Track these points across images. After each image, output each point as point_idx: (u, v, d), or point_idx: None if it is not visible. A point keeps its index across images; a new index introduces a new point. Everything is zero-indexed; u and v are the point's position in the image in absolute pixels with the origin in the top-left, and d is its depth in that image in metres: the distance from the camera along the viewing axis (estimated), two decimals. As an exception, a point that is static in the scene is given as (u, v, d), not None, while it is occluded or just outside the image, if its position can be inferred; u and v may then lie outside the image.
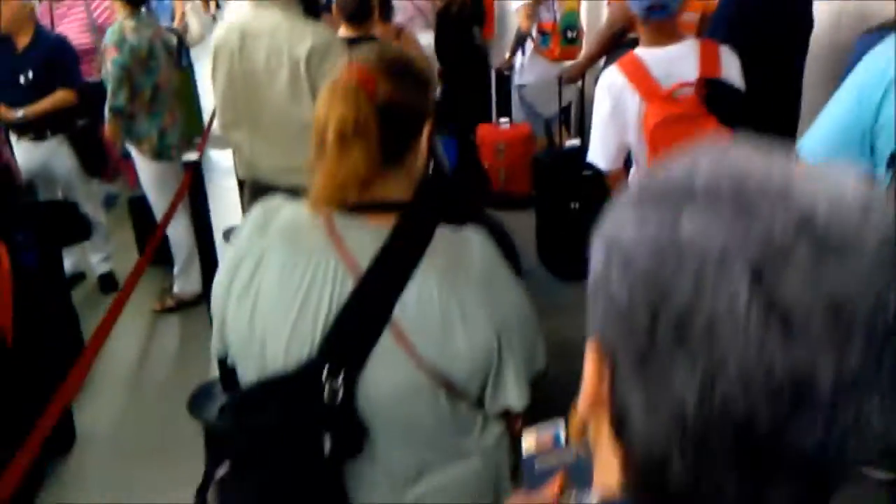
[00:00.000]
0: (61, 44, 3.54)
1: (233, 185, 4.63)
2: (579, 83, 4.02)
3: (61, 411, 1.83)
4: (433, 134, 1.12)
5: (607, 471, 0.48)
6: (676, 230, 0.40)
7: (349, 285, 1.03)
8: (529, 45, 4.31)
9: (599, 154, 2.23)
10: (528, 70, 4.41)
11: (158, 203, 3.43)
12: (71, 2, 4.27)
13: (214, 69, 2.23)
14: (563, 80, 3.90)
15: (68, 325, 2.86)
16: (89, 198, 3.63)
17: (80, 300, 3.38)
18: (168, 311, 3.63)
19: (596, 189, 2.62)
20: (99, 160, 3.65)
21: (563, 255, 3.51)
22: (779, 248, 0.38)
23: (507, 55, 4.58)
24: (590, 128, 3.15)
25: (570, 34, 4.14)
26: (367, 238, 1.05)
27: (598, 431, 0.49)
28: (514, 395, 1.08)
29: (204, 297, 3.61)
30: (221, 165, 4.68)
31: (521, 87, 4.54)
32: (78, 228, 2.96)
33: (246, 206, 2.46)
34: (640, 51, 2.19)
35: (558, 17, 4.11)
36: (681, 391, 0.39)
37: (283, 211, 1.11)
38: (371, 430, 1.05)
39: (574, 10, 4.16)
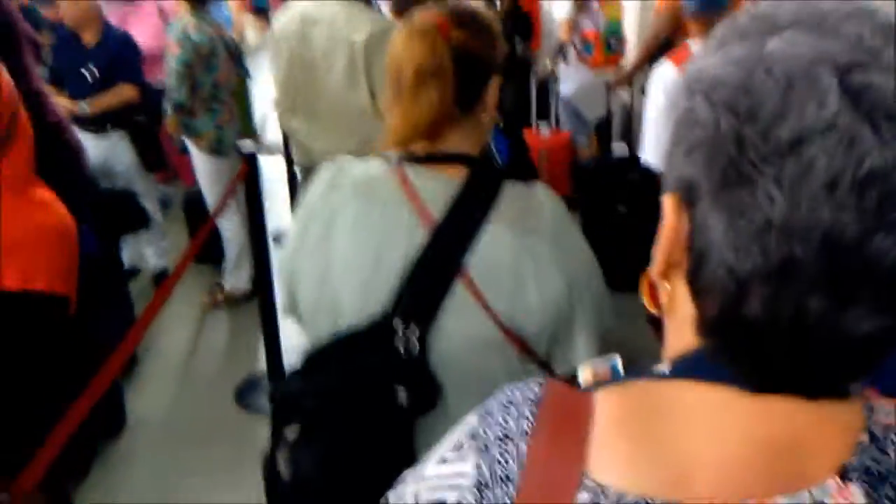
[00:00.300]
0: (126, 41, 3.62)
1: (284, 191, 4.75)
2: (628, 90, 4.04)
3: (105, 390, 1.86)
4: (500, 89, 1.12)
5: (680, 335, 0.48)
6: (762, 48, 0.40)
7: (422, 235, 1.03)
8: (572, 53, 4.39)
9: (655, 152, 2.21)
10: (572, 78, 4.48)
11: (213, 197, 3.50)
12: (143, 4, 4.44)
13: (275, 55, 2.28)
14: (611, 86, 3.96)
15: (124, 313, 2.92)
16: (147, 193, 3.71)
17: (134, 294, 3.45)
18: (217, 307, 3.69)
19: (643, 193, 2.61)
20: (157, 156, 3.74)
21: (609, 262, 3.43)
22: (867, 51, 0.38)
23: (549, 64, 4.68)
24: (635, 134, 3.16)
25: (612, 43, 4.22)
26: (440, 188, 1.05)
27: (672, 293, 0.48)
28: (583, 353, 1.06)
29: (253, 294, 3.67)
30: (272, 170, 4.77)
31: (567, 98, 4.59)
32: (137, 218, 3.02)
33: (301, 191, 2.50)
34: (693, 45, 2.19)
35: (601, 26, 4.19)
36: (766, 205, 0.38)
37: (353, 168, 1.12)
38: (443, 384, 1.03)
39: (617, 20, 4.23)
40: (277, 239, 4.04)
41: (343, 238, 1.06)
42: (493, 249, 1.02)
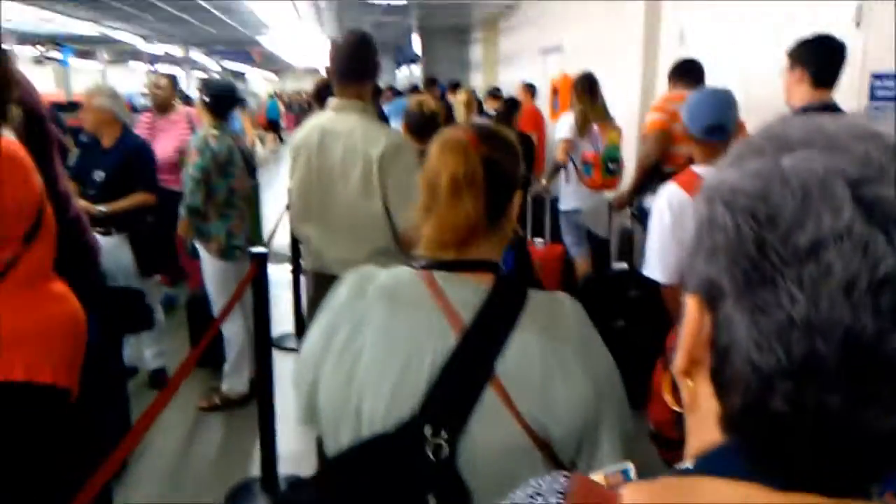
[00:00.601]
0: (141, 147, 3.77)
1: (287, 296, 4.80)
2: (627, 210, 4.27)
3: (99, 488, 1.82)
4: (520, 204, 1.19)
5: (703, 431, 0.50)
6: (778, 164, 0.45)
7: (452, 339, 1.04)
8: (573, 172, 4.61)
9: (658, 268, 2.29)
10: (572, 197, 4.70)
11: (219, 300, 3.55)
12: (177, 118, 4.67)
13: (294, 163, 2.40)
14: (613, 207, 4.16)
15: (120, 409, 2.89)
16: (146, 294, 3.76)
17: (130, 393, 3.43)
18: (214, 410, 3.65)
19: (642, 309, 2.64)
20: (156, 262, 3.81)
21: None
22: (875, 167, 0.42)
23: (545, 182, 5.07)
24: (636, 254, 3.26)
25: (611, 166, 4.42)
26: (469, 294, 1.08)
27: (695, 389, 0.50)
28: (608, 456, 1.06)
29: (250, 397, 3.64)
30: (277, 277, 4.84)
31: (567, 212, 4.81)
32: (142, 318, 3.05)
33: (310, 296, 2.54)
34: (697, 168, 2.33)
35: (601, 149, 4.41)
36: (788, 304, 0.41)
37: (379, 275, 1.15)
38: (471, 490, 1.02)
39: (616, 144, 4.46)
40: (278, 344, 4.06)
41: (371, 343, 1.07)
42: (523, 355, 1.03)
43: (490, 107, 7.42)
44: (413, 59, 14.90)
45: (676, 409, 0.54)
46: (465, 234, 1.08)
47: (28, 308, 1.81)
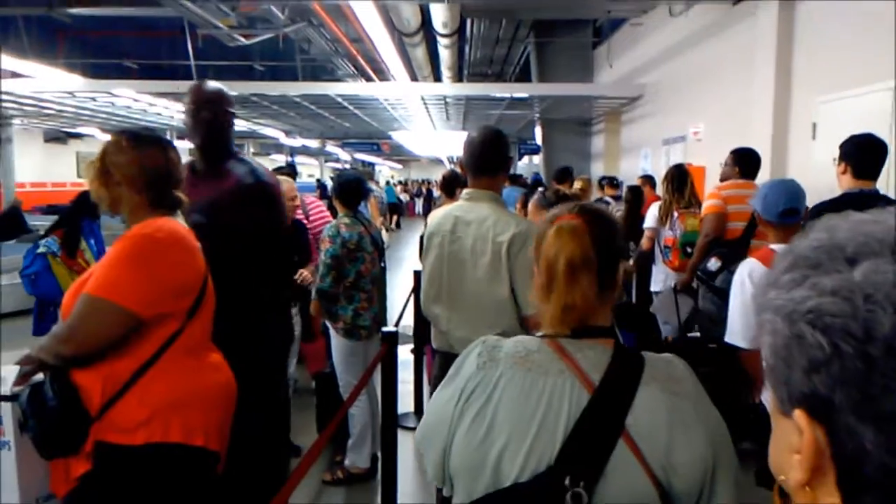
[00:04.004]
0: (302, 225, 4.27)
1: (408, 376, 4.93)
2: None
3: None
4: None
5: None
6: (852, 280, 0.49)
7: (585, 398, 1.14)
8: (658, 256, 5.01)
9: (739, 334, 2.53)
10: (656, 278, 5.12)
11: (344, 377, 3.72)
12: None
13: (427, 248, 2.55)
14: (678, 288, 4.51)
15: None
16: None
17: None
18: (337, 483, 3.75)
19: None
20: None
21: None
22: None
23: (631, 265, 5.47)
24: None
25: (689, 249, 4.68)
26: (596, 357, 1.18)
27: (815, 497, 0.52)
28: None
29: (371, 472, 3.72)
30: (401, 357, 4.99)
31: (656, 292, 5.14)
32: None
33: (435, 373, 2.64)
34: (774, 246, 2.61)
35: (679, 234, 4.78)
36: None
37: (506, 344, 1.25)
38: None
39: (695, 230, 4.70)
40: (400, 422, 4.15)
41: (506, 404, 1.16)
42: (649, 410, 1.12)
43: (606, 194, 7.61)
44: (535, 150, 15.23)
45: None
46: (582, 311, 1.18)
47: (188, 376, 1.99)
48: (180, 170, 2.11)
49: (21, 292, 5.43)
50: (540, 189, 4.35)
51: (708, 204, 4.31)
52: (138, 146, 2.00)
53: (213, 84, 2.70)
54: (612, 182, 7.92)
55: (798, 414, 0.52)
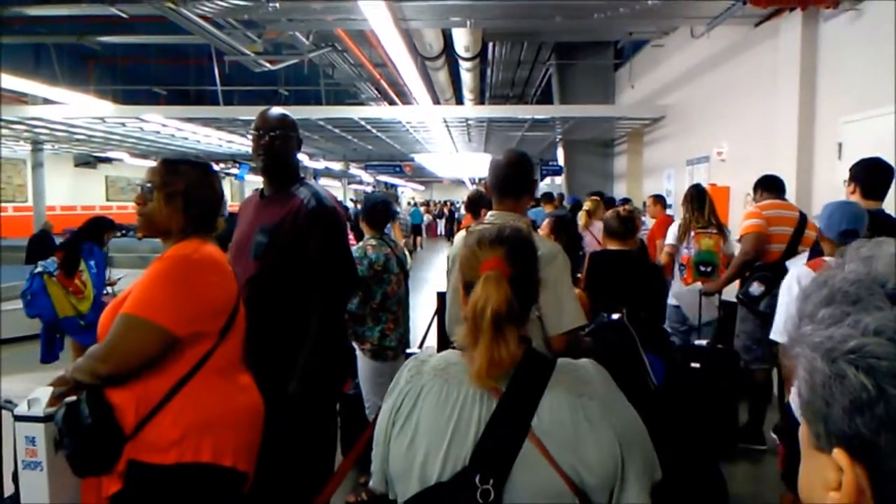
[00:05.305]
0: None
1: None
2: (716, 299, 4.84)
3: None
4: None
5: None
6: (895, 319, 0.49)
7: (493, 405, 1.24)
8: (677, 272, 5.15)
9: (781, 333, 2.76)
10: (673, 293, 5.20)
11: (371, 398, 3.73)
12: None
13: (452, 268, 2.56)
14: (703, 293, 4.73)
15: None
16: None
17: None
18: (361, 505, 3.75)
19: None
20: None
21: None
22: None
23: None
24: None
25: (702, 268, 4.92)
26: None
27: None
28: (635, 502, 1.20)
29: (395, 496, 3.72)
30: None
31: (670, 305, 5.19)
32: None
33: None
34: (826, 259, 2.78)
35: (693, 253, 4.95)
36: None
37: (431, 359, 1.37)
38: None
39: (709, 250, 4.88)
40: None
41: (428, 410, 1.28)
42: (554, 412, 1.21)
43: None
44: (557, 171, 15.24)
45: None
46: (507, 365, 1.23)
47: (219, 396, 2.02)
48: (221, 196, 2.17)
49: (25, 318, 5.55)
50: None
51: (749, 223, 4.37)
52: (185, 171, 2.08)
53: (277, 110, 2.74)
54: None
55: (838, 453, 0.51)
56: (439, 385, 1.29)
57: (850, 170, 3.48)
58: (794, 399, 2.64)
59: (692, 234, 4.94)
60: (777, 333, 2.83)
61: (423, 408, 1.28)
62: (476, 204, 5.18)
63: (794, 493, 0.59)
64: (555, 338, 2.30)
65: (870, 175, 3.41)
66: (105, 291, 5.88)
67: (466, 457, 1.21)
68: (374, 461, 1.36)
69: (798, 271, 2.79)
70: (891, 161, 3.53)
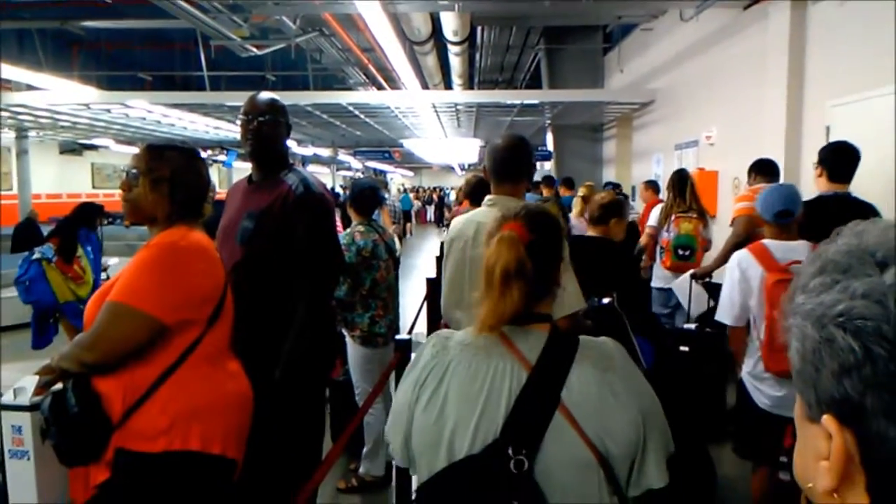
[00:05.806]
0: None
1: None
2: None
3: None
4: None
5: None
6: (884, 283, 0.49)
7: (524, 377, 1.27)
8: (658, 255, 5.21)
9: (727, 313, 2.93)
10: (657, 274, 5.27)
11: (360, 385, 3.73)
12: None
13: (448, 254, 2.55)
14: (694, 277, 4.68)
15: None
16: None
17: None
18: (351, 491, 3.76)
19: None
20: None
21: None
22: None
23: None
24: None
25: (680, 252, 5.02)
26: (533, 340, 1.32)
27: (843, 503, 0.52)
28: (655, 475, 1.26)
29: (386, 480, 3.73)
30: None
31: (654, 288, 5.28)
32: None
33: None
34: (767, 242, 2.89)
35: (672, 237, 5.05)
36: None
37: (456, 334, 1.40)
38: (548, 498, 1.20)
39: (687, 234, 4.99)
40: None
41: (457, 384, 1.30)
42: (582, 384, 1.26)
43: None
44: (546, 157, 15.21)
45: None
46: (509, 317, 1.28)
47: (207, 384, 2.00)
48: (207, 182, 2.14)
49: (21, 305, 5.51)
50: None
51: (741, 206, 4.43)
52: (171, 156, 2.05)
53: (266, 95, 2.70)
54: (615, 188, 8.11)
55: (827, 419, 0.52)
56: (468, 359, 1.32)
57: (819, 153, 3.58)
58: (745, 375, 2.95)
59: (672, 217, 5.04)
60: (722, 314, 2.95)
61: (452, 381, 1.30)
62: (477, 189, 5.12)
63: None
64: (558, 321, 2.30)
65: (836, 158, 3.49)
66: (102, 277, 5.87)
67: (497, 429, 1.23)
68: (392, 438, 1.37)
69: (739, 255, 2.92)
70: (878, 144, 3.55)
